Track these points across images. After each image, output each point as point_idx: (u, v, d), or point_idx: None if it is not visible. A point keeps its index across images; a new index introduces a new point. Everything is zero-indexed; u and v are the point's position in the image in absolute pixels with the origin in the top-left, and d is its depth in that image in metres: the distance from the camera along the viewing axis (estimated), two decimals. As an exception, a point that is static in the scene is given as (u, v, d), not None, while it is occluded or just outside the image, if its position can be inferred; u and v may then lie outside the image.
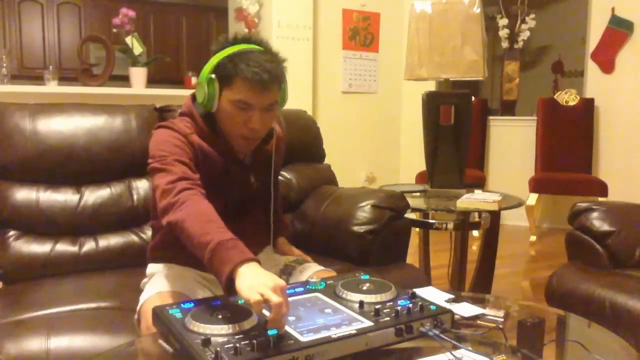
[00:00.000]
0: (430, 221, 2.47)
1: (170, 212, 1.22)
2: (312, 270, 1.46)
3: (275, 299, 0.95)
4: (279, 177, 1.83)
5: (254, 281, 1.01)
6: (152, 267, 1.49)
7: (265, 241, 1.60)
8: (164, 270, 1.44)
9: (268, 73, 1.32)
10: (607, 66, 4.68)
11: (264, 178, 1.55)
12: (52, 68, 3.67)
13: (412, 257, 3.02)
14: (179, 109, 2.00)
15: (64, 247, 1.79)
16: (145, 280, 1.48)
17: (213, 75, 1.35)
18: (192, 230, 1.16)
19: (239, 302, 1.07)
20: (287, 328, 0.98)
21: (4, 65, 3.50)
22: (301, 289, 1.19)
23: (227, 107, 1.36)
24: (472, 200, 2.36)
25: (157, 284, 1.35)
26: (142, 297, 1.33)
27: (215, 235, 1.12)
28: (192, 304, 1.08)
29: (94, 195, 1.87)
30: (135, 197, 1.93)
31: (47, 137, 1.82)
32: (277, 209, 1.65)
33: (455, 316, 1.16)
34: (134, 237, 1.89)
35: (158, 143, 1.35)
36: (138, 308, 1.33)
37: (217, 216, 1.20)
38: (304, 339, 0.95)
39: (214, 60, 1.37)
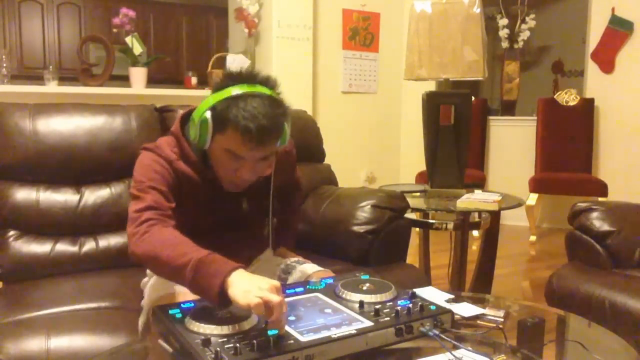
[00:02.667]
0: (430, 221, 2.47)
1: (132, 241, 1.18)
2: (311, 271, 1.45)
3: (275, 299, 0.95)
4: (300, 180, 1.76)
5: (249, 286, 0.99)
6: (152, 268, 1.49)
7: (264, 245, 1.59)
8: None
9: (262, 130, 1.21)
10: (607, 66, 4.68)
11: (258, 201, 1.49)
12: (52, 68, 3.66)
13: (412, 257, 3.02)
14: (179, 109, 2.02)
15: (64, 247, 1.79)
16: (145, 279, 1.48)
17: (208, 115, 1.25)
18: (164, 256, 1.11)
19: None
20: (287, 328, 0.98)
21: (4, 65, 3.49)
22: (301, 289, 1.19)
23: (218, 153, 1.29)
24: (472, 200, 2.36)
25: (157, 284, 1.35)
26: (145, 302, 1.33)
27: (193, 254, 1.07)
28: (192, 304, 1.08)
29: (94, 195, 1.87)
30: (135, 197, 1.93)
31: (47, 137, 1.82)
32: (290, 217, 1.65)
33: (455, 316, 1.16)
34: (134, 237, 1.89)
35: (140, 167, 1.31)
36: (144, 312, 1.33)
37: (185, 238, 1.15)
38: (304, 339, 0.95)
39: (212, 99, 1.26)
